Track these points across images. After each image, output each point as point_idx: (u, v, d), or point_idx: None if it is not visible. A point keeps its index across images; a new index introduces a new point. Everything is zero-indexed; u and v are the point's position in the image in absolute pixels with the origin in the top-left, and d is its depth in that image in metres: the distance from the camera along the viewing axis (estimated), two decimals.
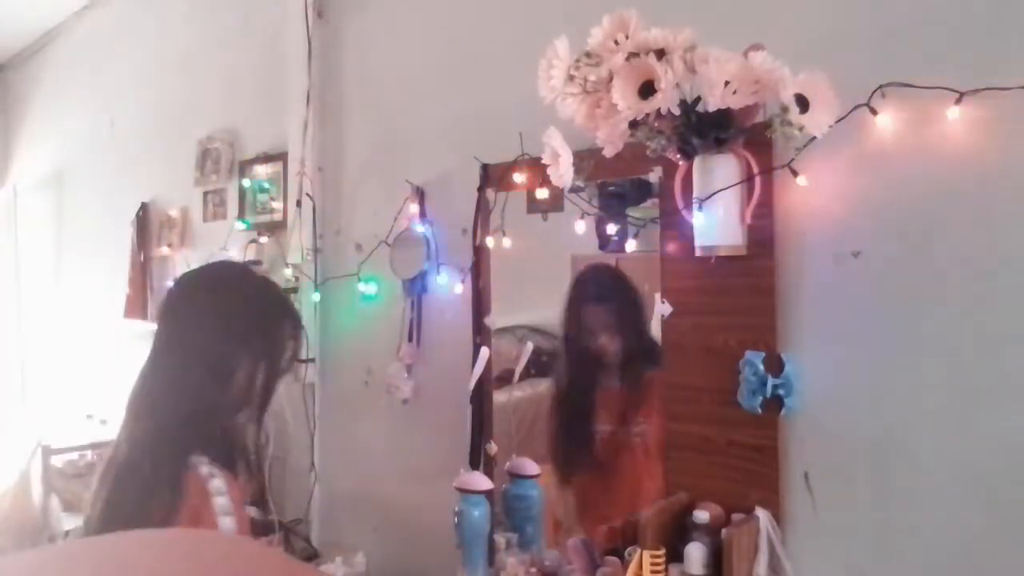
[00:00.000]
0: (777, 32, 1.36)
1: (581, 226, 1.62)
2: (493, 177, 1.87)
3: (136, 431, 1.18)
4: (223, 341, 1.21)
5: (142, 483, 1.11)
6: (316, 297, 2.38)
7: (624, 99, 1.22)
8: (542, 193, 1.69)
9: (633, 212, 1.60)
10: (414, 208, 2.10)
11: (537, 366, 2.00)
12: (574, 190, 1.54)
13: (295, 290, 2.43)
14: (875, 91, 1.24)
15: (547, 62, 1.29)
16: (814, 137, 1.24)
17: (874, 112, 1.25)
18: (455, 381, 1.95)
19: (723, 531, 1.32)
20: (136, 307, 3.36)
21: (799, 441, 1.39)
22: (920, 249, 1.25)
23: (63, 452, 3.17)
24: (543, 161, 1.43)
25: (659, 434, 1.63)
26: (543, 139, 1.41)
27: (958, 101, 1.17)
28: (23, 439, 3.43)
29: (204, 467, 1.13)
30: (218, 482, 1.12)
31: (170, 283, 1.29)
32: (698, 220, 1.36)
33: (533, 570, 1.65)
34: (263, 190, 2.71)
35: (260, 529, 2.20)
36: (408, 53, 2.22)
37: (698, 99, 1.27)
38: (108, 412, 3.44)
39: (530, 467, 1.80)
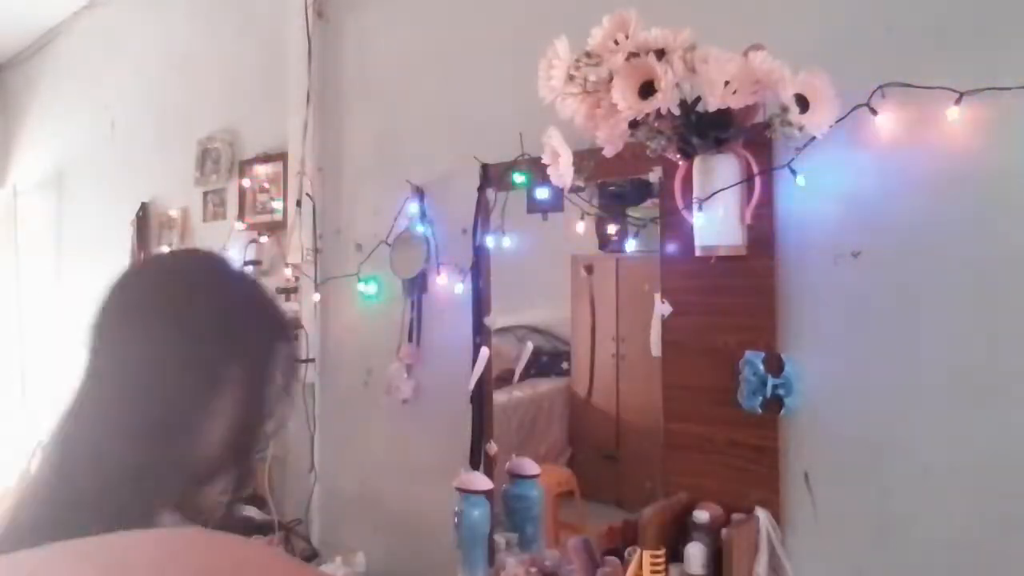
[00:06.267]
0: (777, 32, 1.36)
1: (581, 226, 1.62)
2: (493, 177, 1.87)
3: (79, 480, 0.76)
4: (187, 367, 0.81)
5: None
6: (316, 297, 2.38)
7: (624, 99, 1.22)
8: (542, 193, 1.69)
9: (633, 212, 1.60)
10: (414, 208, 2.10)
11: (537, 366, 2.00)
12: (574, 190, 1.54)
13: (295, 290, 2.43)
14: (875, 91, 1.24)
15: (547, 62, 1.29)
16: (814, 137, 1.24)
17: (874, 112, 1.25)
18: (455, 381, 1.95)
19: (723, 531, 1.32)
20: None
21: (799, 441, 1.39)
22: (920, 249, 1.25)
23: None
24: (543, 161, 1.43)
25: None
26: (543, 139, 1.41)
27: (958, 101, 1.17)
28: (23, 439, 3.43)
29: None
30: None
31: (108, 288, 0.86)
32: (698, 220, 1.36)
33: (533, 570, 1.64)
34: (263, 190, 2.71)
35: (259, 528, 2.20)
36: (408, 53, 2.22)
37: (698, 99, 1.27)
38: None
39: (530, 467, 1.80)
